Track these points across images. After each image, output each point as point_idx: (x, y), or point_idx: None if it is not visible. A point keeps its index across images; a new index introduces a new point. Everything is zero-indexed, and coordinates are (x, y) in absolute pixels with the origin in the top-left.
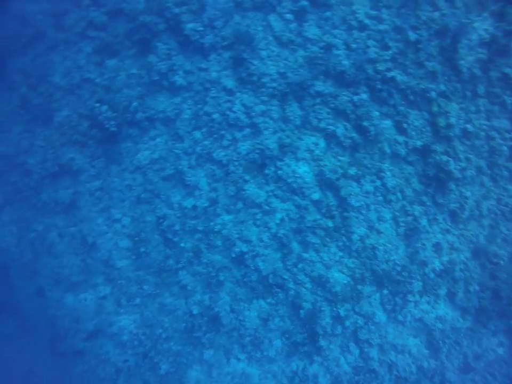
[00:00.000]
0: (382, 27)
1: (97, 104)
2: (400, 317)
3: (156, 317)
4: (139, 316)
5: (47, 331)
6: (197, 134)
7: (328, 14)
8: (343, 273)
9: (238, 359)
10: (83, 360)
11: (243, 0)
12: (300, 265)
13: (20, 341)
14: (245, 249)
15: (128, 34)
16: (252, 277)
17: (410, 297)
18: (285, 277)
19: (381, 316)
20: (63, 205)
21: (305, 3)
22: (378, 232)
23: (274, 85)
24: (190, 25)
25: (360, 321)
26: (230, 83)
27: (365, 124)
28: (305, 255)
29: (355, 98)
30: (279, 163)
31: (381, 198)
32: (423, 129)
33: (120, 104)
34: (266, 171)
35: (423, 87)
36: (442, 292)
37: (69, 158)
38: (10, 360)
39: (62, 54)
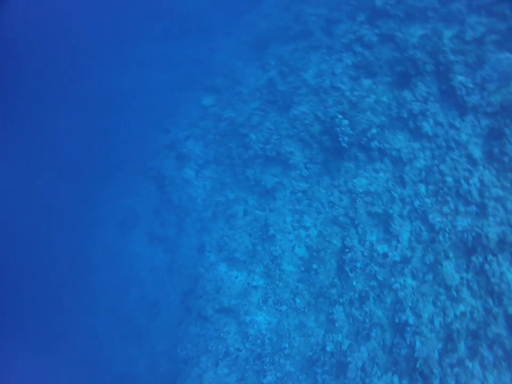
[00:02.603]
0: None
1: (340, 116)
2: None
3: (289, 332)
4: (276, 323)
5: (187, 283)
6: (421, 188)
7: None
8: None
9: None
10: (203, 325)
11: None
12: (455, 369)
13: (163, 276)
14: (411, 321)
15: (391, 62)
16: (402, 350)
17: None
18: (435, 370)
19: None
20: (263, 188)
21: None
22: None
23: None
24: (460, 78)
25: None
26: (476, 153)
27: None
28: (468, 363)
29: None
30: (490, 257)
31: None
32: None
33: (359, 125)
34: (473, 258)
35: None
36: None
37: (289, 151)
38: (147, 287)
39: (321, 57)
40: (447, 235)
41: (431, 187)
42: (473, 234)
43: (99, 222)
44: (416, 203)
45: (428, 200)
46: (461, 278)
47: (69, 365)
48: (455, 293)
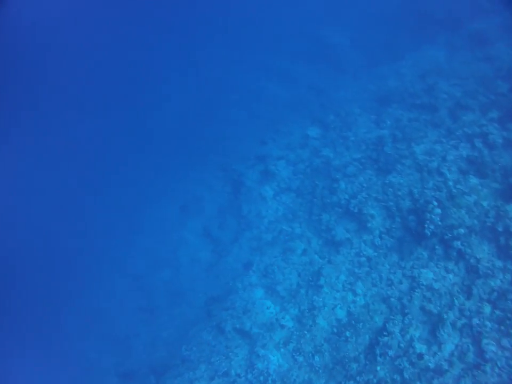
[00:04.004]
0: None
1: (435, 203)
2: None
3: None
4: (286, 368)
5: (220, 290)
6: (487, 308)
7: None
8: None
9: None
10: (216, 337)
11: None
12: None
13: (200, 272)
14: None
15: (507, 170)
16: None
17: None
18: None
19: None
20: (331, 237)
21: None
22: None
23: None
24: None
25: None
26: None
27: None
28: None
29: None
30: None
31: None
32: None
33: (450, 219)
34: None
35: None
36: None
37: (371, 213)
38: (181, 275)
39: (438, 136)
40: (496, 370)
41: (497, 312)
42: None
43: (164, 195)
44: (475, 321)
45: (488, 324)
46: None
47: (75, 313)
48: None
